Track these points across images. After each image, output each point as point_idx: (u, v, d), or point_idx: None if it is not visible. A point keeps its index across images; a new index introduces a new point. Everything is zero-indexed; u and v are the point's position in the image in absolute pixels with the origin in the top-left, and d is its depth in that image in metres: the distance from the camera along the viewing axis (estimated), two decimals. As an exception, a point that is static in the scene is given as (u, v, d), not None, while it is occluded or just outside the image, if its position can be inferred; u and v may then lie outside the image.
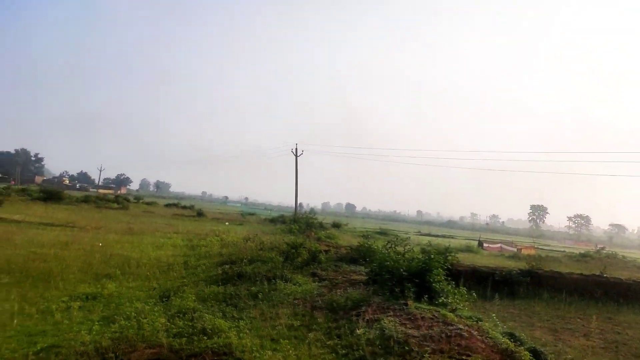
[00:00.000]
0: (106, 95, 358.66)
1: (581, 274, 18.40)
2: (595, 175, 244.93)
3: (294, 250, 15.06)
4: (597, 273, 18.57)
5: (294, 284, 11.61)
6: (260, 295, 10.32)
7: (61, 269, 12.38)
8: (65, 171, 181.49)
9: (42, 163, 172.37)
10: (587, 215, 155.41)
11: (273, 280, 11.57)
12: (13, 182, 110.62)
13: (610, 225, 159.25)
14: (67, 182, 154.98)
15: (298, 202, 67.23)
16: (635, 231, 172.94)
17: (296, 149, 61.48)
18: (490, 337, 6.99)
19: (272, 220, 51.46)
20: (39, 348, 6.63)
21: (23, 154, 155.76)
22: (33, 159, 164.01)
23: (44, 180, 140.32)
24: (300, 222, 42.58)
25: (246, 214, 65.96)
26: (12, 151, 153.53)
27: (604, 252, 37.51)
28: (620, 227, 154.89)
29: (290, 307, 9.36)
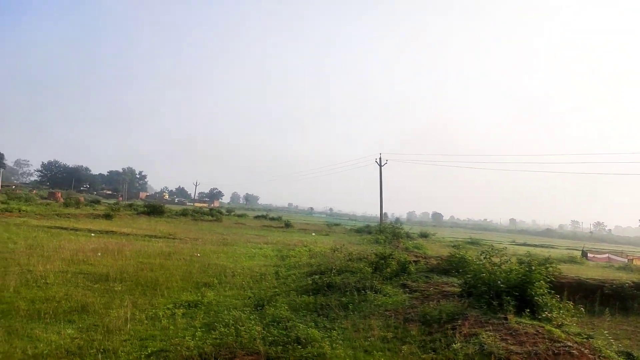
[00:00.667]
0: (199, 115, 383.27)
1: None
2: None
3: (382, 261, 14.87)
4: None
5: (384, 295, 11.46)
6: (350, 306, 10.31)
7: (166, 277, 13.32)
8: (165, 187, 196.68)
9: (146, 180, 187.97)
10: None
11: (363, 291, 11.50)
12: (120, 198, 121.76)
13: None
14: (167, 196, 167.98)
15: (383, 212, 66.73)
16: None
17: (380, 158, 61.25)
18: (603, 356, 6.39)
19: (358, 231, 51.44)
20: (149, 352, 7.15)
21: (129, 172, 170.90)
22: (137, 176, 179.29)
23: (147, 196, 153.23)
24: (386, 232, 42.17)
25: (332, 225, 66.57)
26: (120, 170, 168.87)
27: None
28: None
29: (382, 318, 9.24)
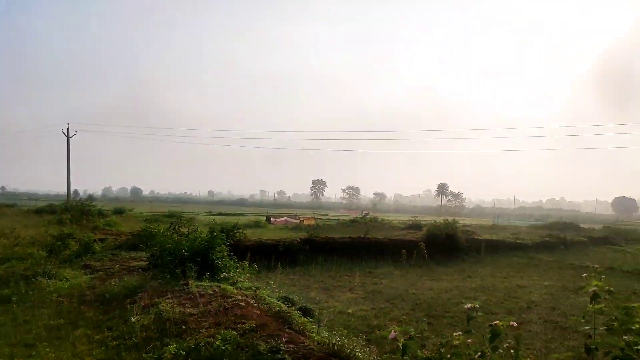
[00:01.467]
0: None
1: (349, 237, 21.05)
2: (364, 152, 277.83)
3: (59, 243, 13.30)
4: (362, 235, 21.51)
5: (61, 280, 10.31)
6: (14, 298, 8.83)
7: None
8: None
9: None
10: (357, 187, 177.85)
11: (33, 279, 10.08)
12: None
13: (374, 194, 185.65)
14: None
15: (73, 189, 59.94)
16: (393, 198, 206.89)
17: (68, 129, 54.32)
18: (266, 304, 7.40)
19: (38, 212, 44.35)
20: None
21: None
22: None
23: None
24: (73, 210, 37.87)
25: (3, 206, 55.39)
26: None
27: (368, 217, 43.39)
28: (381, 195, 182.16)
29: (54, 305, 8.26)
